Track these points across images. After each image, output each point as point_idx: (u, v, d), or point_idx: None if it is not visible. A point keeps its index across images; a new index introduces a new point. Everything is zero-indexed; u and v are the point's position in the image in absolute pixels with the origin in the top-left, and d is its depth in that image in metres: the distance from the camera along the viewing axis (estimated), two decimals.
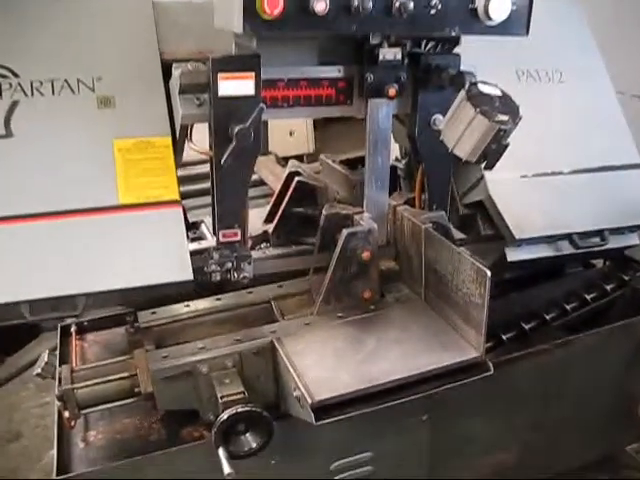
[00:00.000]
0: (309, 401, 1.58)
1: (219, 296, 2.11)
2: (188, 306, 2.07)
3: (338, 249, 1.92)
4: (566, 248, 2.27)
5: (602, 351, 2.27)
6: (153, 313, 2.04)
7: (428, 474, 2.16)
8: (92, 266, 1.72)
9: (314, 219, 2.34)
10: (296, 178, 2.30)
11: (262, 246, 2.36)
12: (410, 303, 1.99)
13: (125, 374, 1.84)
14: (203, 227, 3.07)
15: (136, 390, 1.83)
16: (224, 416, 1.64)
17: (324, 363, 1.74)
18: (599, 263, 2.74)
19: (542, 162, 2.28)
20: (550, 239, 2.25)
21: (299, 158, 6.56)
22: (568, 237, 2.25)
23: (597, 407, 2.39)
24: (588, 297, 2.46)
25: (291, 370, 1.70)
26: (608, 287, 2.50)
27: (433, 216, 2.01)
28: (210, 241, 2.50)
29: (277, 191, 2.42)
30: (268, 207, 2.54)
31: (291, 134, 6.33)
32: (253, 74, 1.71)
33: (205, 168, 3.40)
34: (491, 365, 1.74)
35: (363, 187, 2.15)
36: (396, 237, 2.12)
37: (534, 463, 2.38)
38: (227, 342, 1.84)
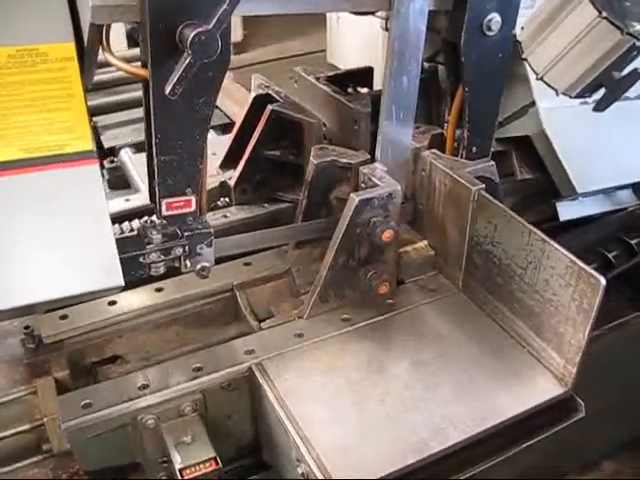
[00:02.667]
0: None
1: (159, 284, 1.42)
2: (114, 303, 1.38)
3: (344, 224, 1.27)
4: (628, 200, 1.70)
5: None
6: (63, 318, 1.34)
7: None
8: None
9: (297, 166, 1.63)
10: (269, 107, 1.55)
11: (219, 203, 1.64)
12: (444, 296, 1.39)
13: (25, 426, 1.21)
14: (124, 156, 2.32)
15: (44, 447, 1.21)
16: None
17: (338, 413, 1.13)
18: None
19: None
20: (608, 189, 1.67)
21: None
22: (633, 186, 1.66)
23: None
24: (632, 242, 1.88)
25: (290, 429, 1.09)
26: None
27: (480, 169, 1.37)
28: (145, 195, 1.77)
29: (239, 123, 1.66)
30: (223, 140, 1.80)
31: None
32: None
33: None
34: (582, 404, 1.19)
35: (369, 122, 1.48)
36: (416, 193, 1.47)
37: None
38: (182, 374, 1.20)
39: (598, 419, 1.91)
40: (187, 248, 1.23)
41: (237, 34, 5.69)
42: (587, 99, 1.57)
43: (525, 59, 1.14)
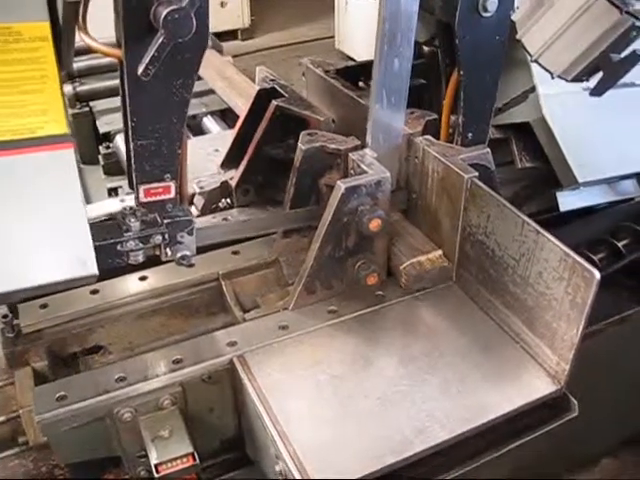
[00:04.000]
0: None
1: (144, 272, 1.39)
2: (96, 292, 1.35)
3: (330, 213, 1.22)
4: (632, 190, 1.64)
5: None
6: (43, 307, 1.31)
7: None
8: None
9: None
10: (274, 102, 1.48)
11: (220, 205, 1.57)
12: (436, 288, 1.34)
13: (1, 417, 1.18)
14: (119, 141, 2.29)
15: (20, 440, 1.18)
16: None
17: (319, 409, 1.09)
18: None
19: None
20: (611, 179, 1.61)
21: (232, 34, 5.59)
22: (637, 176, 1.60)
23: None
24: None
25: (268, 425, 1.05)
26: None
27: (474, 156, 1.32)
28: None
29: (241, 119, 1.58)
30: (228, 136, 1.71)
31: (222, 5, 5.35)
32: None
33: None
34: (575, 403, 1.14)
35: None
36: (409, 180, 1.42)
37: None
38: (161, 366, 1.16)
39: (598, 415, 1.86)
40: (167, 236, 1.18)
41: (245, 20, 5.64)
42: (589, 84, 1.52)
43: (519, 40, 1.08)
